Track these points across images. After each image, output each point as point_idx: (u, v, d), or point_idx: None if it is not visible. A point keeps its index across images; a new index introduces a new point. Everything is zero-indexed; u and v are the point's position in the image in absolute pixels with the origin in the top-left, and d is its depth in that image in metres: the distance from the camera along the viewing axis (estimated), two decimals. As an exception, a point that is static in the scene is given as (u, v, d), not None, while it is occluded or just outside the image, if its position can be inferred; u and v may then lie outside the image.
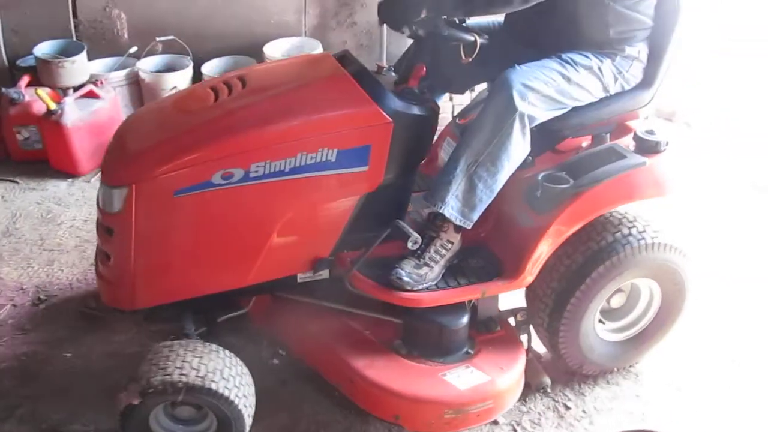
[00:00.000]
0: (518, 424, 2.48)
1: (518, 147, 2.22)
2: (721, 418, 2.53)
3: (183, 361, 2.04)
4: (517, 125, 2.17)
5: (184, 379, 2.00)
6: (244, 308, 2.48)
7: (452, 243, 2.33)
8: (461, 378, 2.26)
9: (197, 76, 4.33)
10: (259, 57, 4.40)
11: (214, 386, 2.03)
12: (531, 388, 2.52)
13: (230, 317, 2.45)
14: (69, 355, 2.71)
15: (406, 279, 2.24)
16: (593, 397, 2.60)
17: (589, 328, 2.47)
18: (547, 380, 2.53)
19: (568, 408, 2.55)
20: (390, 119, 2.14)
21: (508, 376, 2.30)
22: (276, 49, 4.43)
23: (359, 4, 4.68)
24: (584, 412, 2.55)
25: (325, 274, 2.39)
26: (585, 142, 2.59)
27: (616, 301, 2.55)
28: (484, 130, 2.19)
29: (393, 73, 2.37)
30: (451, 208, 2.24)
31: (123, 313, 2.37)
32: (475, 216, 2.29)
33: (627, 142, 2.52)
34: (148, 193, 2.05)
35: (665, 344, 2.68)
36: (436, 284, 2.30)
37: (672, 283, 2.50)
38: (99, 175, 2.40)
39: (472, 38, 2.21)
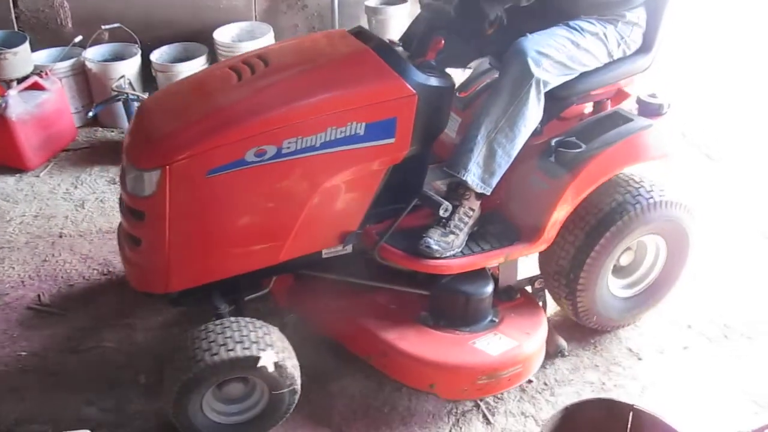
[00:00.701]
0: (481, 400, 2.47)
1: (534, 112, 2.31)
2: (678, 385, 2.59)
3: (242, 336, 2.07)
4: (533, 91, 2.26)
5: (246, 353, 2.04)
6: (266, 288, 2.50)
7: (473, 210, 2.40)
8: (491, 345, 2.33)
9: (146, 64, 4.25)
10: (210, 43, 4.35)
11: (276, 361, 2.09)
12: (549, 353, 2.59)
13: (254, 297, 2.47)
14: (24, 353, 2.67)
15: (434, 247, 2.30)
16: (554, 369, 2.63)
17: (603, 286, 2.58)
18: (564, 343, 2.64)
19: (529, 381, 2.55)
20: (414, 91, 2.19)
21: (534, 340, 2.39)
22: (226, 35, 4.42)
23: None
24: (545, 384, 2.57)
25: (348, 248, 2.42)
26: (586, 109, 2.70)
27: (625, 259, 2.67)
28: (502, 98, 2.27)
29: (401, 48, 2.41)
30: (473, 175, 2.32)
31: (151, 296, 2.35)
32: (494, 182, 2.37)
33: (624, 107, 2.64)
34: (182, 174, 2.05)
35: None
36: (461, 251, 2.37)
37: (677, 238, 2.63)
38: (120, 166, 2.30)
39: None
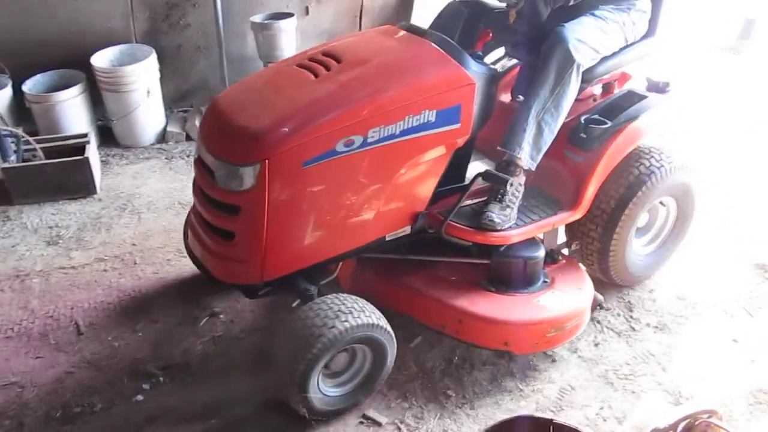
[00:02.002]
0: (402, 422, 2.49)
1: (573, 92, 2.60)
2: (593, 384, 2.63)
3: (346, 308, 2.25)
4: (574, 74, 2.55)
5: (358, 320, 2.24)
6: (334, 273, 2.65)
7: (521, 185, 2.65)
8: (553, 301, 2.59)
9: (18, 95, 4.06)
10: (87, 69, 4.17)
11: (381, 322, 2.33)
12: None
13: (326, 282, 2.61)
14: None
15: (496, 220, 2.53)
16: (471, 380, 2.64)
17: (630, 245, 2.91)
18: (601, 297, 2.94)
19: (448, 397, 2.57)
20: (473, 80, 2.42)
21: (586, 294, 2.68)
22: (104, 59, 4.27)
23: (191, 4, 4.55)
24: (464, 397, 2.58)
25: (407, 229, 2.62)
26: (595, 90, 3.01)
27: (641, 221, 3.00)
28: (549, 81, 2.54)
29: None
30: (525, 152, 2.57)
31: (238, 288, 2.46)
32: (539, 158, 2.63)
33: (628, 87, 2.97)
34: (281, 166, 2.18)
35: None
36: (516, 223, 2.62)
37: (685, 197, 3.00)
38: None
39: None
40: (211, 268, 2.46)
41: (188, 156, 4.35)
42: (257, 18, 4.57)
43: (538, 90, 2.55)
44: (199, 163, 2.41)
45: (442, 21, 2.82)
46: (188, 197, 3.71)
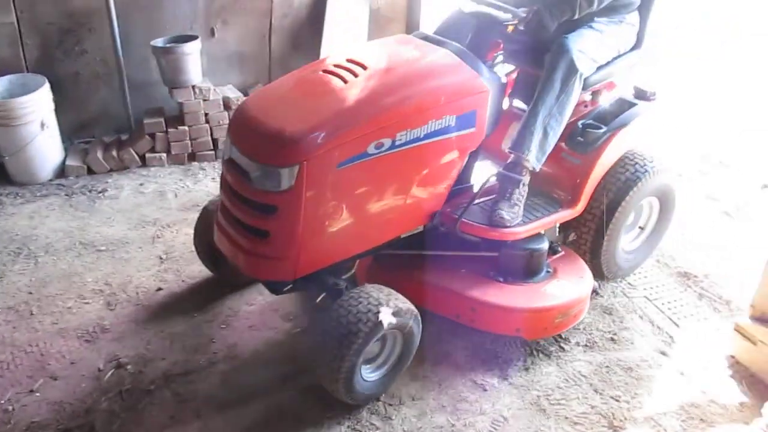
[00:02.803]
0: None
1: (575, 99, 2.83)
2: (525, 411, 2.61)
3: (379, 297, 2.41)
4: (577, 82, 2.77)
5: (394, 307, 2.41)
6: (352, 269, 2.80)
7: (526, 185, 2.86)
8: (559, 290, 2.81)
9: None
10: None
11: (412, 308, 2.51)
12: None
13: (347, 277, 2.76)
14: None
15: (507, 217, 2.74)
16: (400, 419, 2.57)
17: (619, 240, 3.16)
18: (596, 284, 3.17)
19: None
20: (487, 88, 2.61)
21: (587, 282, 2.91)
22: None
23: (86, 29, 4.34)
24: None
25: (420, 227, 2.79)
26: (585, 97, 3.25)
27: (629, 219, 3.26)
28: (554, 88, 2.75)
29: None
30: (533, 155, 2.78)
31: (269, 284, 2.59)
32: (544, 160, 2.85)
33: (613, 95, 3.21)
34: (318, 168, 2.32)
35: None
36: (522, 220, 2.82)
37: (666, 197, 3.27)
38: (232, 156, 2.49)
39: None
40: (243, 266, 2.56)
41: (90, 191, 4.10)
42: (158, 42, 4.29)
43: (545, 97, 2.75)
44: (230, 164, 2.51)
45: (449, 29, 2.98)
46: (91, 236, 3.62)
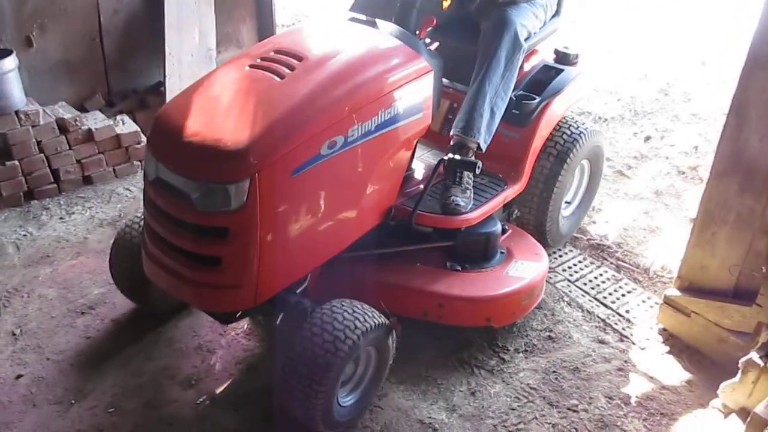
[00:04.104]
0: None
1: (516, 75, 2.72)
2: None
3: (354, 312, 2.23)
4: (520, 57, 2.69)
5: (372, 322, 2.23)
6: (305, 282, 2.55)
7: (480, 167, 2.73)
8: (520, 271, 2.73)
9: None
10: None
11: (383, 320, 2.33)
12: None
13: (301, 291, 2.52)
14: None
15: (461, 203, 2.61)
16: None
17: (560, 208, 3.13)
18: None
19: None
20: (430, 67, 2.44)
21: (544, 258, 2.85)
22: None
23: None
24: None
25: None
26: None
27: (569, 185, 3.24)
28: (500, 66, 2.64)
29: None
30: (482, 136, 2.66)
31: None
32: (489, 140, 2.73)
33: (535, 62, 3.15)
34: (271, 179, 2.05)
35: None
36: (473, 203, 2.70)
37: (597, 158, 3.28)
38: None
39: None
40: (191, 299, 2.27)
41: None
42: None
43: (492, 76, 2.64)
44: (159, 184, 2.16)
45: (372, 3, 2.75)
46: None
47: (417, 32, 2.58)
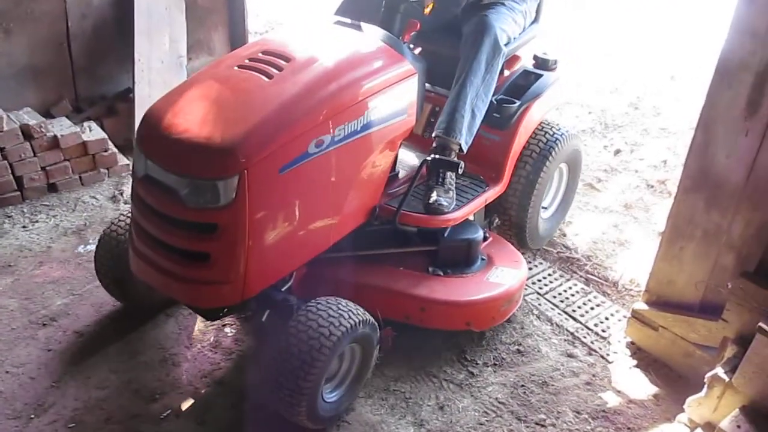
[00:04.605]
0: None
1: (496, 78, 2.74)
2: None
3: (339, 309, 2.22)
4: (500, 61, 2.72)
5: (356, 318, 2.24)
6: (290, 281, 2.51)
7: (462, 168, 2.72)
8: (500, 277, 2.72)
9: None
10: None
11: (367, 317, 2.32)
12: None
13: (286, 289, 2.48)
14: None
15: (444, 203, 2.61)
16: None
17: (539, 211, 3.15)
18: None
19: None
20: (414, 70, 2.44)
21: (523, 264, 2.85)
22: None
23: None
24: None
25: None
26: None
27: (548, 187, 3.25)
28: (481, 69, 2.66)
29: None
30: (464, 138, 2.66)
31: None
32: (471, 141, 2.73)
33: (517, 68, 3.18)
34: (260, 176, 2.02)
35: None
36: (456, 204, 2.70)
37: (575, 162, 3.32)
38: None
39: None
40: (179, 294, 2.24)
41: None
42: None
43: (472, 78, 2.65)
44: (147, 181, 2.12)
45: (357, 6, 2.72)
46: None
47: (401, 37, 2.58)
